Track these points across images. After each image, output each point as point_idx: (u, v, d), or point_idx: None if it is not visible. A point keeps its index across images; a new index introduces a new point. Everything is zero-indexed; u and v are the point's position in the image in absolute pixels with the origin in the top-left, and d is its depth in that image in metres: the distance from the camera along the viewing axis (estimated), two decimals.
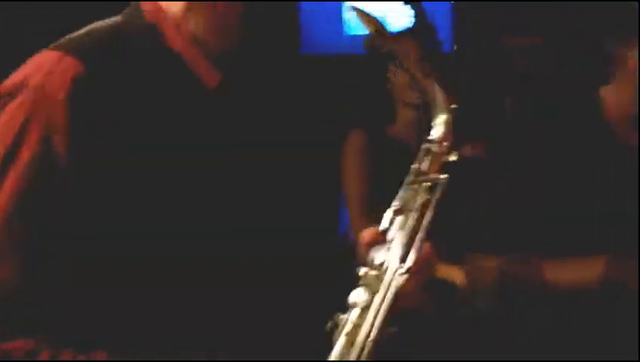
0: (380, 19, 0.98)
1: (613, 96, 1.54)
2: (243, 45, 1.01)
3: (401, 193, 1.00)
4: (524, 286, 1.50)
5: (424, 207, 0.98)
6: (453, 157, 0.98)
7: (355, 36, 3.96)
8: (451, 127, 0.98)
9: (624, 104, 1.53)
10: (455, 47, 4.34)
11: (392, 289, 0.96)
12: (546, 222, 1.47)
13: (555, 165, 1.50)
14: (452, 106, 1.00)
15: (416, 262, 0.97)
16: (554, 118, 1.59)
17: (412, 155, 2.07)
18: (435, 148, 1.00)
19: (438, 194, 0.98)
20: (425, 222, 0.98)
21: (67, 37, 0.98)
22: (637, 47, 1.47)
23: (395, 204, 0.99)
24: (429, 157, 1.00)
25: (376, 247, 0.99)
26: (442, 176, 0.98)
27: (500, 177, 1.53)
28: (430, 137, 1.01)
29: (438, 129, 1.00)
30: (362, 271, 0.99)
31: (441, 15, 4.49)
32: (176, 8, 0.97)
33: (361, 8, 0.98)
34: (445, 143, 0.99)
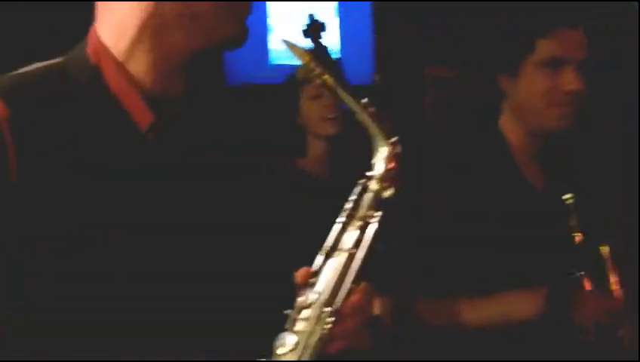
0: (311, 50, 0.96)
1: (506, 125, 1.54)
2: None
3: (333, 232, 0.97)
4: (428, 325, 1.47)
5: (357, 246, 0.95)
6: (389, 193, 0.96)
7: (280, 65, 3.96)
8: (392, 161, 0.96)
9: (518, 136, 1.53)
10: (377, 78, 4.41)
11: (320, 332, 0.93)
12: (461, 259, 1.43)
13: (466, 199, 1.46)
14: (392, 140, 0.97)
15: (350, 304, 0.94)
16: (464, 150, 1.57)
17: (323, 188, 2.02)
18: (373, 185, 0.96)
19: (371, 232, 0.95)
20: (358, 261, 0.95)
21: None
22: (527, 78, 1.45)
23: (327, 244, 0.96)
24: (366, 195, 0.97)
25: (308, 288, 0.95)
26: (376, 214, 0.95)
27: (412, 212, 1.50)
28: (370, 173, 0.97)
29: (379, 165, 0.97)
30: (291, 312, 0.96)
31: (363, 46, 4.57)
32: (123, 47, 0.94)
33: (292, 41, 0.95)
34: (385, 179, 0.96)
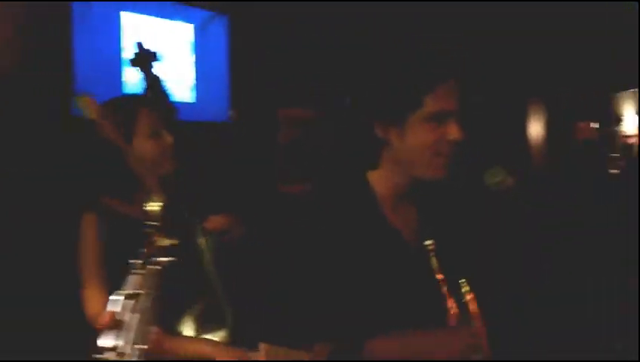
0: (111, 103, 0.98)
1: (379, 179, 1.56)
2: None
3: (130, 277, 1.00)
4: None
5: (153, 289, 0.99)
6: (168, 243, 1.00)
7: None
8: (162, 215, 1.01)
9: (389, 186, 1.56)
10: (232, 116, 4.45)
11: None
12: (332, 311, 1.41)
13: (331, 250, 1.46)
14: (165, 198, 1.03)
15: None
16: (330, 198, 1.56)
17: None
18: (152, 234, 1.02)
19: (161, 276, 0.99)
20: (153, 304, 0.99)
21: None
22: (414, 131, 1.48)
23: (126, 288, 0.99)
24: (150, 242, 1.02)
25: (111, 331, 0.98)
26: (165, 259, 1.00)
27: (273, 259, 1.50)
28: (148, 223, 1.03)
29: (152, 215, 1.03)
30: (98, 355, 0.97)
31: (219, 84, 4.61)
32: None
33: (88, 95, 0.98)
34: (159, 230, 1.00)
